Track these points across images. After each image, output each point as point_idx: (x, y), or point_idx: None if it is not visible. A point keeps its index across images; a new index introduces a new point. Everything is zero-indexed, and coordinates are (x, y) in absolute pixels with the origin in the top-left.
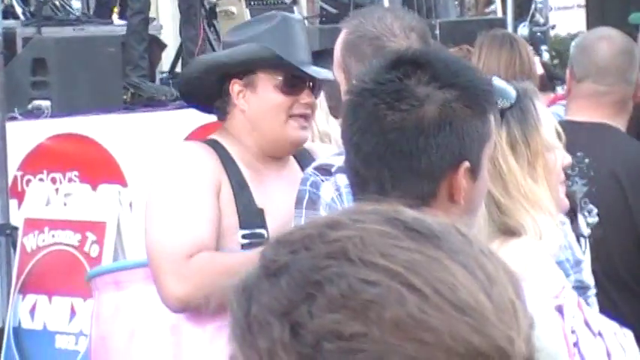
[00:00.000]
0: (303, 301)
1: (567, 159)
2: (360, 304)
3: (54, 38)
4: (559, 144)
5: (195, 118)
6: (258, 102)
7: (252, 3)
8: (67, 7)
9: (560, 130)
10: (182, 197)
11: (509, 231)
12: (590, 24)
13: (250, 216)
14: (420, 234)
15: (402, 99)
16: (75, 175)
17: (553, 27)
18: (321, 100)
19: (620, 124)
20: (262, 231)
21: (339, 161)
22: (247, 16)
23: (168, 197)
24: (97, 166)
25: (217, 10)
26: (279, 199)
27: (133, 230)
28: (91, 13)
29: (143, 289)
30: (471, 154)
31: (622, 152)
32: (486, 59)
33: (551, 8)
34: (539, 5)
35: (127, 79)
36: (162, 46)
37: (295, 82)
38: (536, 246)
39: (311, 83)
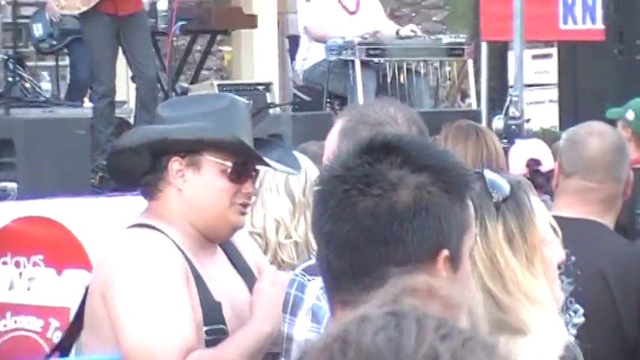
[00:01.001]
0: None
1: (562, 254)
2: None
3: (22, 119)
4: (555, 238)
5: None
6: (199, 184)
7: (225, 89)
8: (37, 89)
9: (554, 224)
10: (161, 291)
11: (511, 329)
12: (563, 119)
13: (211, 310)
14: None
15: (373, 184)
16: (40, 259)
17: (528, 121)
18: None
19: (609, 221)
20: (223, 326)
21: None
22: None
23: (145, 292)
24: (63, 250)
25: (189, 95)
26: (228, 289)
27: None
28: (62, 96)
29: None
30: (450, 242)
31: (610, 250)
32: (452, 150)
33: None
34: (514, 99)
35: (96, 163)
36: (130, 129)
37: (243, 170)
38: (546, 345)
39: (255, 173)
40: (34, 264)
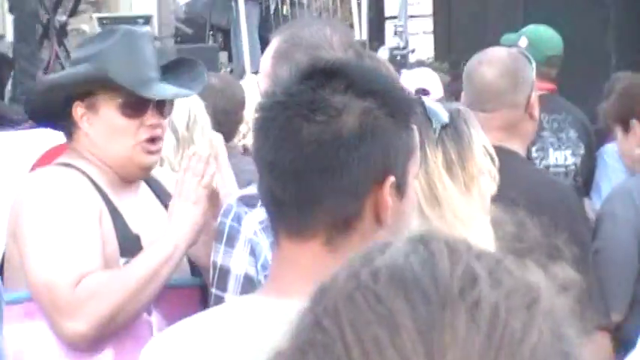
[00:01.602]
0: None
1: (493, 186)
2: None
3: None
4: (492, 167)
5: (50, 138)
6: (101, 125)
7: (105, 22)
8: None
9: (492, 152)
10: (65, 225)
11: None
12: (437, 51)
13: (129, 243)
14: None
15: (317, 110)
16: None
17: (413, 51)
18: (204, 126)
19: (518, 147)
20: None
21: None
22: None
23: (49, 228)
24: None
25: (68, 28)
26: (147, 223)
27: None
28: None
29: (22, 328)
30: (396, 168)
31: (521, 178)
32: None
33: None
34: (399, 29)
35: None
36: (10, 63)
37: (137, 103)
38: None
39: (158, 102)
40: None
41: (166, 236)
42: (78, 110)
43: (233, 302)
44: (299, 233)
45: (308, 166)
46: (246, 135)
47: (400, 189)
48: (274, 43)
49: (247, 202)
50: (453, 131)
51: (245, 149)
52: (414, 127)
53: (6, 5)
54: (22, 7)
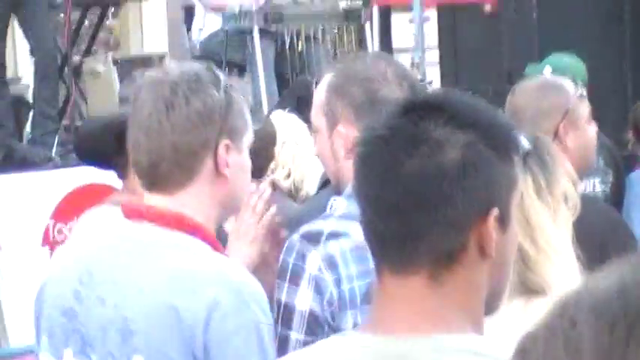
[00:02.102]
0: None
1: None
2: None
3: None
4: (575, 193)
5: (71, 179)
6: None
7: (120, 61)
8: None
9: (575, 178)
10: None
11: (531, 290)
12: (444, 81)
13: None
14: None
15: (419, 144)
16: None
17: (430, 83)
18: None
19: None
20: None
21: (330, 226)
22: (114, 75)
23: None
24: None
25: (83, 69)
26: None
27: (8, 294)
28: None
29: None
30: (499, 200)
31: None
32: None
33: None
34: (416, 61)
35: None
36: (28, 106)
37: None
38: None
39: None
40: None
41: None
42: None
43: (330, 341)
44: (402, 268)
45: (411, 200)
46: (274, 170)
47: (503, 221)
48: (328, 77)
49: (310, 238)
50: (537, 158)
51: (274, 185)
52: (516, 158)
53: (20, 47)
54: (43, 49)
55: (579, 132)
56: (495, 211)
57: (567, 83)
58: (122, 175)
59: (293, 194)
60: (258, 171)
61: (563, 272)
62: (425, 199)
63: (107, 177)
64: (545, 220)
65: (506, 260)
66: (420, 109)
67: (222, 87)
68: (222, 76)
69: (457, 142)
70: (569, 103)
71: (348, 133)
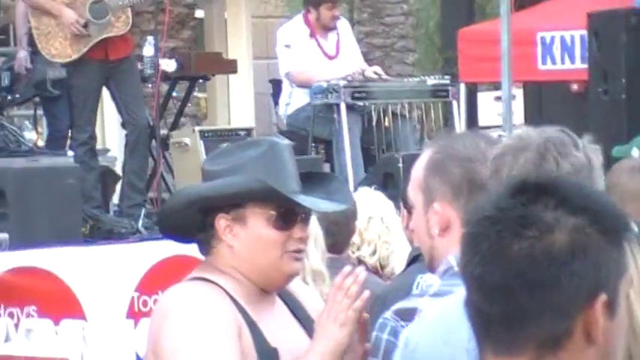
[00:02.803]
0: None
1: None
2: None
3: (11, 169)
4: None
5: (157, 251)
6: (248, 238)
7: (207, 134)
8: (19, 138)
9: None
10: (207, 343)
11: None
12: None
13: (268, 356)
14: None
15: (528, 225)
16: (33, 310)
17: None
18: (317, 237)
19: None
20: None
21: (424, 303)
22: (201, 147)
23: (191, 345)
24: (57, 301)
25: (170, 141)
26: (283, 337)
27: None
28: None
29: None
30: (608, 286)
31: None
32: None
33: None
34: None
35: (85, 212)
36: (115, 177)
37: (288, 215)
38: None
39: (304, 215)
40: (28, 315)
41: (309, 355)
42: (222, 222)
43: None
44: (507, 351)
45: (518, 282)
46: (360, 247)
47: (611, 308)
48: (426, 154)
49: (404, 316)
50: None
51: (359, 261)
52: (626, 245)
53: (108, 118)
54: (135, 121)
55: None
56: (603, 297)
57: None
58: (205, 250)
59: (378, 271)
60: (340, 245)
61: None
62: (532, 282)
63: (192, 249)
64: None
65: (613, 348)
66: (530, 191)
67: (581, 148)
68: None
69: (566, 225)
70: None
71: (444, 211)
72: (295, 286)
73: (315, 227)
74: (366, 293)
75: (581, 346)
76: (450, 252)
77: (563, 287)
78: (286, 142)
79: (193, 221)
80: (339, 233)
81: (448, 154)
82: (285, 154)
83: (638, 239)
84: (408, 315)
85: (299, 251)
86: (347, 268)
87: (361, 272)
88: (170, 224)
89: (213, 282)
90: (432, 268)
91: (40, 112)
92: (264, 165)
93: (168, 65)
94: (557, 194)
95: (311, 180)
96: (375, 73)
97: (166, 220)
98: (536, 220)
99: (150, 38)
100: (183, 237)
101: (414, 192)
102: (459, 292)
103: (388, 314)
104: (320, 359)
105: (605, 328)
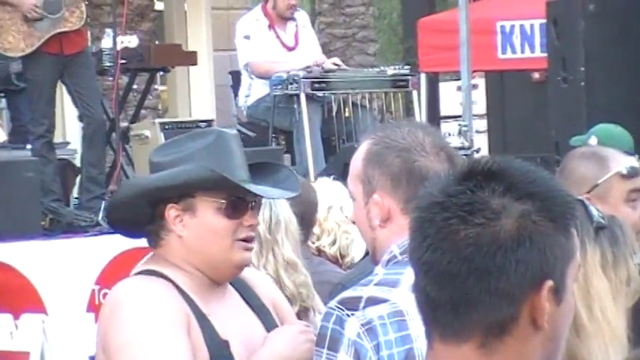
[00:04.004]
0: None
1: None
2: None
3: None
4: (638, 279)
5: (117, 244)
6: (198, 227)
7: (167, 127)
8: None
9: None
10: (158, 339)
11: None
12: (492, 149)
13: (218, 349)
14: None
15: (475, 212)
16: None
17: (478, 150)
18: (288, 226)
19: None
20: None
21: (368, 292)
22: (161, 140)
23: (138, 341)
24: (17, 294)
25: (130, 134)
26: (235, 327)
27: None
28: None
29: None
30: (554, 272)
31: None
32: None
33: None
34: (464, 128)
35: (44, 205)
36: (75, 170)
37: (238, 203)
38: None
39: (253, 203)
40: None
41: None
42: (171, 212)
43: None
44: (453, 336)
45: (465, 268)
46: (320, 237)
47: (558, 293)
48: (365, 145)
49: (349, 305)
50: (609, 234)
51: (319, 251)
52: (574, 230)
53: (68, 111)
54: (91, 114)
55: (607, 208)
56: (549, 283)
57: (615, 158)
58: (154, 242)
59: (338, 261)
60: (302, 237)
61: (611, 348)
62: (478, 268)
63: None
64: (605, 292)
65: (560, 333)
66: (478, 177)
67: None
68: None
69: (513, 212)
70: (601, 177)
71: (384, 202)
72: (248, 274)
73: (285, 216)
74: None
75: (527, 332)
76: (392, 242)
77: (509, 273)
78: (234, 131)
79: (142, 213)
80: (301, 224)
81: (386, 144)
82: (233, 143)
83: (604, 229)
84: (352, 304)
85: (249, 240)
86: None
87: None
88: (119, 217)
89: (161, 274)
90: (375, 260)
91: (1, 105)
92: (212, 154)
93: (130, 41)
94: (505, 180)
95: (260, 170)
96: (335, 64)
97: (115, 213)
98: (483, 206)
99: (109, 31)
100: (132, 230)
101: (353, 184)
102: (404, 279)
103: (333, 303)
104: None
105: (552, 314)
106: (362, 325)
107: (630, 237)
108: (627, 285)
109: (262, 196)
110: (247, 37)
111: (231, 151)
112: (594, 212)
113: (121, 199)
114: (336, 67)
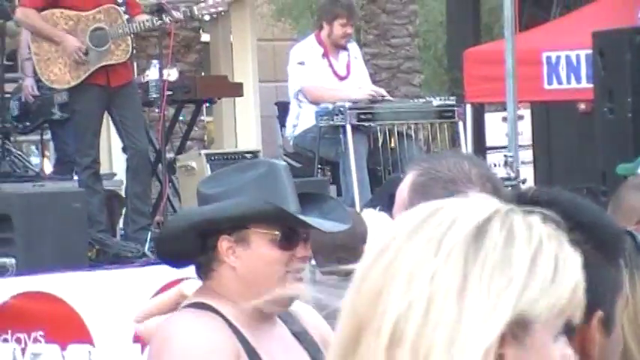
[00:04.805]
0: None
1: None
2: None
3: (17, 194)
4: None
5: (163, 275)
6: (251, 259)
7: (213, 158)
8: (26, 164)
9: None
10: None
11: None
12: (538, 179)
13: None
14: None
15: None
16: (40, 335)
17: (524, 181)
18: None
19: None
20: None
21: None
22: (207, 171)
23: None
24: (64, 325)
25: (176, 165)
26: None
27: None
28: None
29: None
30: (604, 303)
31: None
32: None
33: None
34: (510, 159)
35: (91, 236)
36: (122, 201)
37: (292, 235)
38: None
39: (305, 235)
40: (35, 340)
41: None
42: (224, 244)
43: None
44: None
45: None
46: None
47: (607, 325)
48: (410, 176)
49: None
50: None
51: None
52: (622, 262)
53: (114, 142)
54: (136, 146)
55: None
56: (599, 314)
57: None
58: (205, 274)
59: None
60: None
61: None
62: None
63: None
64: None
65: None
66: (527, 205)
67: None
68: None
69: None
70: None
71: None
72: (297, 308)
73: None
74: None
75: None
76: None
77: None
78: (283, 163)
79: (192, 245)
80: (348, 257)
81: (432, 175)
82: (284, 175)
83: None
84: None
85: (301, 271)
86: None
87: None
88: (169, 248)
89: (211, 307)
90: None
91: (46, 136)
92: (264, 186)
93: (170, 75)
94: (554, 209)
95: (307, 201)
96: (381, 96)
97: (165, 244)
98: None
99: (155, 62)
100: (180, 261)
101: (399, 215)
102: None
103: None
104: None
105: (601, 345)
106: None
107: None
108: None
109: (317, 229)
110: (302, 64)
111: (282, 182)
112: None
113: (172, 229)
114: (380, 99)
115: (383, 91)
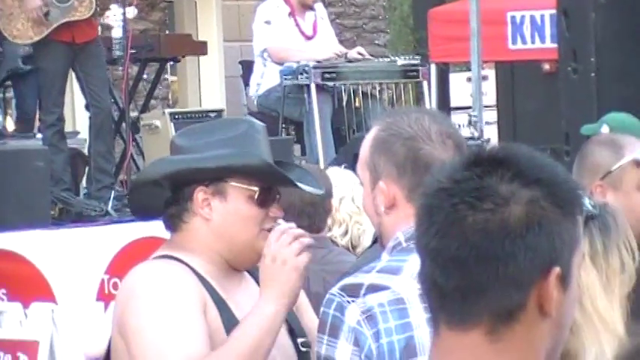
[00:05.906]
0: None
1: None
2: None
3: None
4: (632, 266)
5: (126, 233)
6: (227, 212)
7: (177, 117)
8: None
9: (636, 251)
10: (174, 321)
11: (570, 353)
12: (502, 140)
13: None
14: None
15: (484, 198)
16: (2, 293)
17: (488, 140)
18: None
19: None
20: None
21: (370, 279)
22: (172, 130)
23: (155, 325)
24: (27, 284)
25: (140, 123)
26: None
27: (64, 350)
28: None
29: None
30: (561, 259)
31: None
32: None
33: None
34: (474, 119)
35: (54, 194)
36: (85, 160)
37: (269, 194)
38: None
39: (279, 195)
40: None
41: (267, 302)
42: (200, 195)
43: None
44: (461, 323)
45: (473, 254)
46: (331, 228)
47: (565, 280)
48: (372, 132)
49: (350, 292)
50: (600, 224)
51: (331, 242)
52: (580, 218)
53: (78, 101)
54: (98, 104)
55: (620, 195)
56: (557, 270)
57: (632, 145)
58: (174, 226)
59: (350, 251)
60: (317, 225)
61: (604, 339)
62: (486, 254)
63: (161, 231)
64: (594, 285)
65: (566, 321)
66: (486, 163)
67: None
68: None
69: (522, 198)
70: (615, 164)
71: (389, 189)
72: None
73: None
74: (307, 240)
75: (534, 319)
76: (398, 228)
77: (517, 260)
78: (262, 124)
79: (163, 195)
80: (316, 213)
81: (392, 132)
82: (262, 135)
83: (594, 218)
84: (353, 291)
85: (271, 230)
86: (283, 224)
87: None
88: (139, 198)
89: (179, 260)
90: (382, 245)
91: (9, 94)
92: (245, 143)
93: (129, 12)
94: (513, 166)
95: (280, 167)
96: (359, 53)
97: (137, 193)
98: (491, 192)
99: (114, 6)
100: (148, 212)
101: (361, 170)
102: (406, 267)
103: (335, 290)
104: (275, 305)
105: (559, 301)
106: (362, 312)
107: (625, 224)
108: (622, 272)
109: (299, 188)
110: (268, 23)
111: (262, 142)
112: (585, 201)
113: (148, 178)
114: (361, 57)
115: (362, 50)
